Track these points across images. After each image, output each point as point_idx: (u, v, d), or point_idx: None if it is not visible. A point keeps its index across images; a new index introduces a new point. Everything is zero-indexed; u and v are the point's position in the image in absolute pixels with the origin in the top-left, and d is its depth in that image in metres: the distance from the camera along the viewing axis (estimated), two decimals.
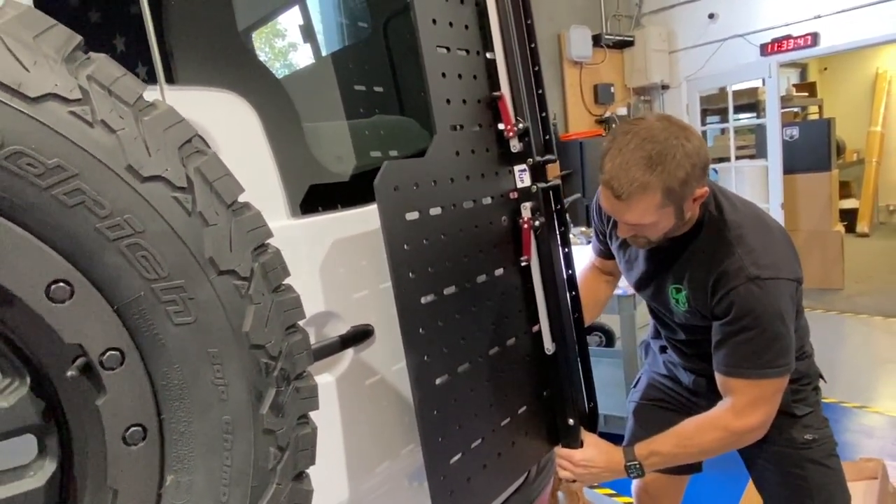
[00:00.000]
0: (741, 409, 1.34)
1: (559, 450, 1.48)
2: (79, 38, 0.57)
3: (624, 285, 3.13)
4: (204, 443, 0.62)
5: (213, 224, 0.62)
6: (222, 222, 0.63)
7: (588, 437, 1.46)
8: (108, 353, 0.57)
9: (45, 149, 0.53)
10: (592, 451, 1.44)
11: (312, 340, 1.15)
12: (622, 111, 6.36)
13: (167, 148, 0.60)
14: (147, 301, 0.59)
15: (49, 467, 0.59)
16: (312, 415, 0.79)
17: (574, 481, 1.51)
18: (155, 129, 0.60)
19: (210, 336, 0.62)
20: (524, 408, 1.39)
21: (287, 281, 0.73)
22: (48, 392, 0.59)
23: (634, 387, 1.90)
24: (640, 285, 1.60)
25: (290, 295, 0.71)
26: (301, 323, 0.78)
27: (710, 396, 1.47)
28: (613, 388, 3.38)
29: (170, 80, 1.01)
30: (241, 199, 0.71)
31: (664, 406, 1.79)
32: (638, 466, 1.42)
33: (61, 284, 0.55)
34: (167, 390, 0.60)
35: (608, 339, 4.46)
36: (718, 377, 1.38)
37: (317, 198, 1.21)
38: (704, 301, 1.38)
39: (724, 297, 1.32)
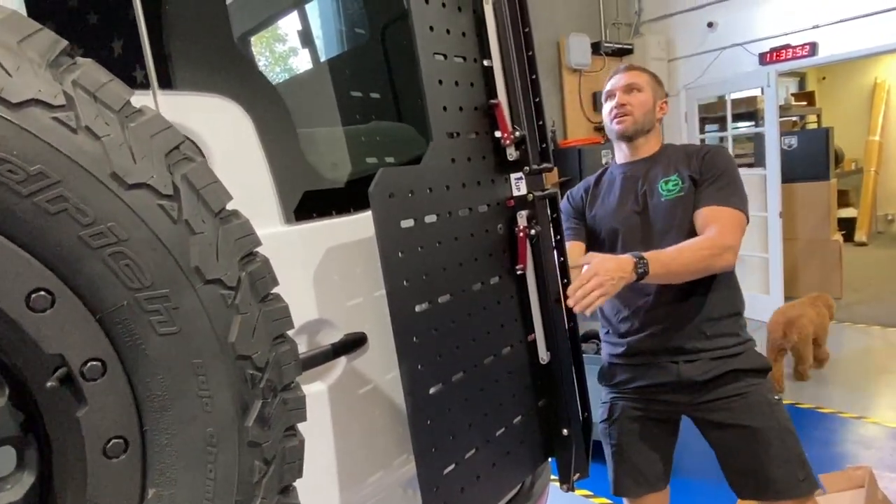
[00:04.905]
0: (722, 229, 1.64)
1: (578, 282, 1.49)
2: (65, 43, 0.56)
3: None
4: (187, 456, 0.61)
5: (199, 232, 0.61)
6: (209, 230, 0.62)
7: (589, 256, 1.55)
8: (89, 364, 0.56)
9: (27, 155, 0.52)
10: (600, 258, 1.52)
11: (305, 348, 1.14)
12: None
13: (153, 155, 0.59)
14: (130, 310, 0.57)
15: (27, 480, 0.57)
16: (304, 422, 0.78)
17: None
18: (141, 135, 0.59)
19: (195, 346, 0.60)
20: (519, 417, 1.38)
21: (276, 290, 0.72)
22: (27, 403, 0.57)
23: (606, 421, 1.90)
24: (622, 203, 1.83)
25: (279, 304, 0.69)
26: (292, 331, 0.77)
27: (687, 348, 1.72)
28: None
29: (163, 85, 1.00)
30: (230, 206, 0.70)
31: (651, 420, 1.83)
32: (645, 262, 1.53)
33: (42, 293, 0.54)
34: (150, 402, 0.59)
35: None
36: (705, 210, 1.69)
37: (311, 204, 1.20)
38: (689, 164, 1.76)
39: (706, 155, 1.77)
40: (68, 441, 0.57)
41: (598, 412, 1.91)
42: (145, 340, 0.58)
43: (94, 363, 0.56)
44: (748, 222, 1.72)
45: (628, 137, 1.82)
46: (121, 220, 0.56)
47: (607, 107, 1.85)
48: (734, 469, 1.73)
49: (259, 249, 0.73)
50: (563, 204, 1.96)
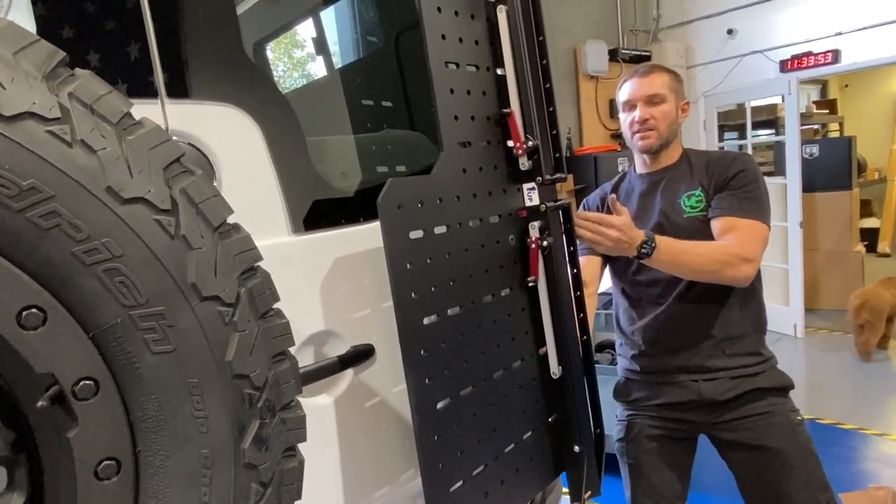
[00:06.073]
0: (743, 240, 1.57)
1: (601, 217, 1.47)
2: (62, 55, 0.55)
3: None
4: (181, 478, 0.59)
5: (197, 248, 0.59)
6: (208, 246, 0.60)
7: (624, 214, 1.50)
8: (81, 383, 0.54)
9: (19, 169, 0.51)
10: (629, 225, 1.48)
11: (311, 360, 1.12)
12: None
13: (151, 168, 0.58)
14: (124, 328, 0.56)
15: (17, 501, 0.56)
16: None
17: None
18: (139, 148, 0.58)
19: (190, 365, 0.59)
20: (529, 433, 1.35)
21: (278, 305, 0.70)
22: (18, 422, 0.56)
23: (623, 440, 1.84)
24: (640, 219, 1.73)
25: (279, 321, 0.68)
26: (298, 344, 0.75)
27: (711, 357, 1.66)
28: None
29: (171, 94, 0.99)
30: (231, 220, 0.68)
31: (671, 440, 1.77)
32: (652, 247, 1.47)
33: (33, 310, 0.52)
34: (143, 422, 0.57)
35: None
36: (723, 220, 1.61)
37: (320, 214, 1.18)
38: (710, 174, 1.68)
39: (728, 162, 1.69)
40: (59, 462, 0.56)
41: (615, 430, 1.87)
42: (139, 359, 0.57)
43: (87, 382, 0.55)
44: (768, 230, 1.64)
45: (653, 152, 1.74)
46: (116, 235, 0.55)
47: (626, 118, 1.74)
48: (753, 491, 1.69)
49: (261, 264, 0.71)
50: (584, 208, 1.90)
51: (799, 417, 1.68)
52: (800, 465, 1.61)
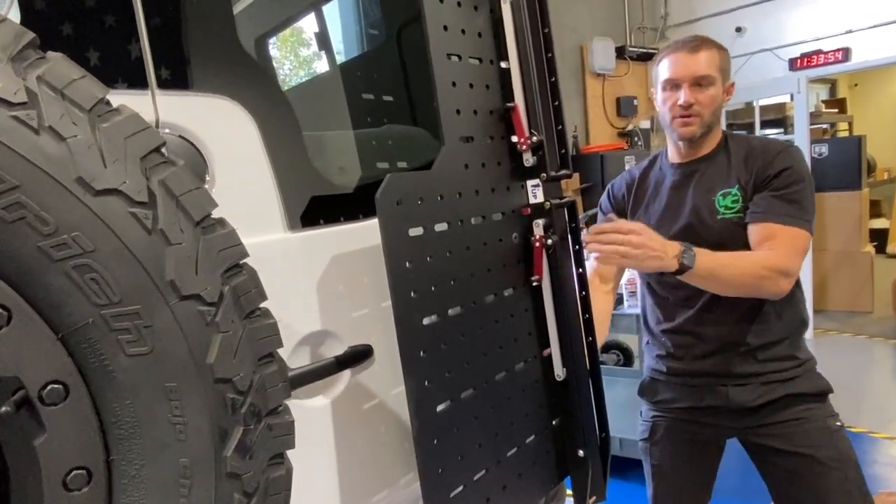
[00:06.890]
0: (785, 251, 1.45)
1: (616, 225, 1.35)
2: (31, 36, 0.51)
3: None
4: (157, 489, 0.55)
5: (176, 243, 0.56)
6: (188, 241, 0.57)
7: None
8: (49, 387, 0.51)
9: None
10: (651, 233, 1.36)
11: (307, 361, 1.09)
12: (645, 124, 6.26)
13: (127, 158, 0.54)
14: (96, 329, 0.52)
15: None
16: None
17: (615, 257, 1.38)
18: (114, 137, 0.54)
19: (168, 368, 0.55)
20: (532, 437, 1.31)
21: (264, 305, 0.66)
22: None
23: (647, 440, 1.78)
24: (669, 217, 1.63)
25: (266, 321, 0.64)
26: (290, 348, 0.71)
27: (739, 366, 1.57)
28: (631, 409, 3.26)
29: (163, 85, 0.96)
30: (222, 215, 0.65)
31: (693, 442, 1.71)
32: (692, 256, 1.36)
33: None
34: (117, 429, 0.54)
35: (626, 357, 4.35)
36: (763, 226, 1.48)
37: (317, 210, 1.15)
38: (750, 168, 1.53)
39: (774, 157, 1.51)
40: (26, 471, 0.52)
41: (639, 429, 1.80)
42: (113, 361, 0.53)
43: (55, 386, 0.51)
44: (811, 233, 1.52)
45: (693, 140, 1.58)
46: (86, 229, 0.51)
47: (665, 97, 1.56)
48: (788, 499, 1.61)
49: (250, 261, 0.67)
50: (603, 200, 1.79)
51: (838, 423, 1.58)
52: (837, 473, 1.52)
